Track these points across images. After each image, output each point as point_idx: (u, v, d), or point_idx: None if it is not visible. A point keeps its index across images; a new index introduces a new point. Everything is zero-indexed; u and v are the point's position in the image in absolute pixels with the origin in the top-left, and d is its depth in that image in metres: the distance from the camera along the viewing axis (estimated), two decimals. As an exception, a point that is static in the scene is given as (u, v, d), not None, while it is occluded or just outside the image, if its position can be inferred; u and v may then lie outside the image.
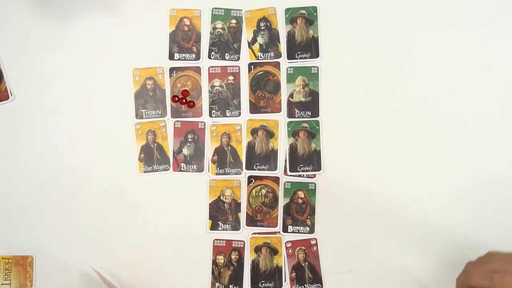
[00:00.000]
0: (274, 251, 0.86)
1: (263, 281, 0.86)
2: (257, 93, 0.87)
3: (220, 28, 0.88)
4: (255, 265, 0.86)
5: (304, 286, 0.86)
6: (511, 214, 0.84)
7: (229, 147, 0.87)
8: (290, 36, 0.87)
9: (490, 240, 0.82)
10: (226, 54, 0.88)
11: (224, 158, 0.87)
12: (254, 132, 0.87)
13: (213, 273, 0.86)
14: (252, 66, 0.88)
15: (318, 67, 0.86)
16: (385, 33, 0.86)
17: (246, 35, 0.88)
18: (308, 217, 0.86)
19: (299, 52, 0.87)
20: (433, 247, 0.84)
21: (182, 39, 0.88)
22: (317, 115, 0.86)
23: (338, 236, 0.86)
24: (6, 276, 0.87)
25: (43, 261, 0.87)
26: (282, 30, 0.87)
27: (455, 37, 0.85)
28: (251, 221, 0.87)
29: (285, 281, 0.86)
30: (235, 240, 0.87)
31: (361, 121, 0.86)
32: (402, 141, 0.85)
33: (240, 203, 0.87)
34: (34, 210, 0.88)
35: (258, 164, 0.87)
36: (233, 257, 0.87)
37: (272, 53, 0.87)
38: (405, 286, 0.84)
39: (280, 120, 0.87)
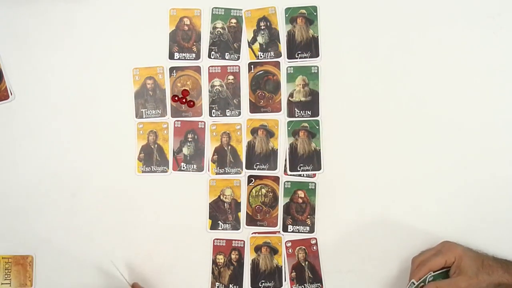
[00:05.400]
0: (274, 251, 0.86)
1: (263, 281, 0.86)
2: (257, 93, 0.87)
3: (220, 28, 0.88)
4: (255, 265, 0.86)
5: (304, 286, 0.85)
6: (511, 214, 0.84)
7: (229, 147, 0.87)
8: (290, 36, 0.87)
9: (490, 240, 0.81)
10: (226, 53, 0.88)
11: (224, 158, 0.87)
12: (254, 131, 0.87)
13: (213, 272, 0.86)
14: (252, 66, 0.88)
15: (318, 67, 0.86)
16: (385, 33, 0.86)
17: (246, 34, 0.88)
18: (308, 216, 0.86)
19: (299, 52, 0.87)
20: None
21: (182, 39, 0.88)
22: (317, 115, 0.86)
23: (338, 236, 0.86)
24: (6, 276, 0.87)
25: (43, 261, 0.87)
26: (282, 29, 0.87)
27: (455, 37, 0.85)
28: (251, 221, 0.87)
29: (285, 280, 0.86)
30: (235, 240, 0.87)
31: (361, 120, 0.86)
32: (402, 141, 0.85)
33: (240, 202, 0.87)
34: (34, 210, 0.88)
35: (258, 163, 0.87)
36: (233, 256, 0.86)
37: (272, 53, 0.87)
38: (405, 286, 0.84)
39: (280, 119, 0.87)
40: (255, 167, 0.87)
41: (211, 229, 0.87)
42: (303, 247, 0.86)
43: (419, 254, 0.80)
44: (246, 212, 0.87)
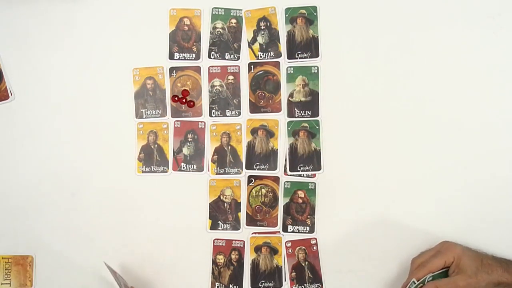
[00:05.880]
0: (274, 251, 0.86)
1: (263, 281, 0.86)
2: (257, 93, 0.87)
3: (220, 28, 0.88)
4: (255, 265, 0.86)
5: (304, 286, 0.85)
6: (511, 214, 0.84)
7: (229, 147, 0.87)
8: (290, 36, 0.87)
9: (490, 240, 0.81)
10: (226, 53, 0.88)
11: (224, 158, 0.87)
12: (254, 131, 0.87)
13: (213, 272, 0.86)
14: (252, 66, 0.88)
15: (318, 67, 0.86)
16: (385, 33, 0.86)
17: (246, 34, 0.88)
18: (308, 216, 0.86)
19: (299, 52, 0.87)
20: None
21: (182, 39, 0.88)
22: (317, 115, 0.86)
23: (338, 236, 0.86)
24: (6, 276, 0.87)
25: (43, 261, 0.87)
26: (282, 29, 0.87)
27: (455, 37, 0.85)
28: (251, 221, 0.87)
29: (285, 280, 0.86)
30: (235, 240, 0.87)
31: (361, 120, 0.86)
32: (402, 141, 0.85)
33: (240, 202, 0.87)
34: (34, 210, 0.88)
35: (258, 163, 0.87)
36: (233, 256, 0.86)
37: (272, 53, 0.87)
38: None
39: (280, 119, 0.87)
40: (255, 167, 0.87)
41: (211, 229, 0.87)
42: (303, 247, 0.86)
43: (418, 256, 0.80)
44: (246, 212, 0.87)
